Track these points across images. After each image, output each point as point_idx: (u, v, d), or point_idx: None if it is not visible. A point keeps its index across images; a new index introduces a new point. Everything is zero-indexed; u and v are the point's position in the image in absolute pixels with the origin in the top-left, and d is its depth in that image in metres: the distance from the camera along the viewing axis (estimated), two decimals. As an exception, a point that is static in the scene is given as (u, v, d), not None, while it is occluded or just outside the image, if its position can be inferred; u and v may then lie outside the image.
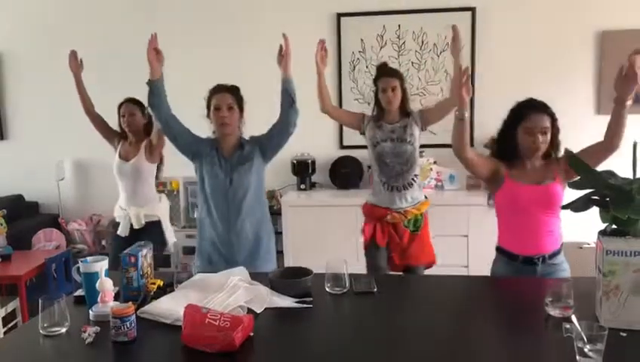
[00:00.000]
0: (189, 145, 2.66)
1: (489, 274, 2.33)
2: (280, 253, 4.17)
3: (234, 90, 2.71)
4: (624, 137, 2.27)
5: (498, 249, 2.32)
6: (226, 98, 2.63)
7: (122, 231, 3.50)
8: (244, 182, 2.63)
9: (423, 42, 4.30)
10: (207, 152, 2.65)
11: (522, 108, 2.30)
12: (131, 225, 3.49)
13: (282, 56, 2.77)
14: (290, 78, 2.80)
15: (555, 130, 2.32)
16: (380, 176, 3.09)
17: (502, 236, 2.32)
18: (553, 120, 2.31)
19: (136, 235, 3.33)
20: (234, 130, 2.68)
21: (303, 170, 4.38)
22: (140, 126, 3.55)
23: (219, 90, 2.67)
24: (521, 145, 2.26)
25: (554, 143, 2.32)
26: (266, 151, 2.72)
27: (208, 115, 2.67)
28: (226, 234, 2.62)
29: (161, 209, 3.63)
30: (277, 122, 2.76)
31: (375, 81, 3.12)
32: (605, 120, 4.12)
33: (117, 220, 3.59)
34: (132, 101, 3.56)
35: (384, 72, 3.10)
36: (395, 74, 3.07)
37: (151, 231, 3.46)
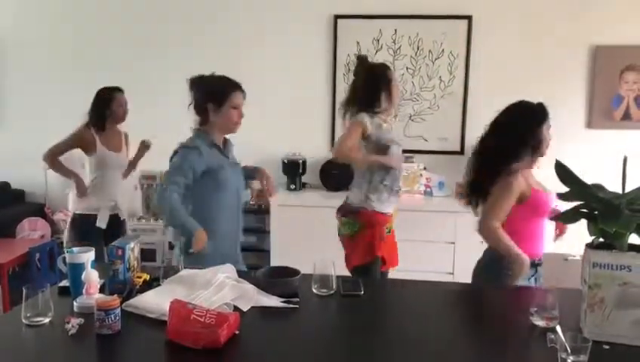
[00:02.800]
0: (202, 172, 2.47)
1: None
2: (266, 252, 4.18)
3: None
4: None
5: None
6: (242, 100, 2.56)
7: (102, 223, 3.43)
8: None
9: (418, 48, 4.31)
10: (211, 155, 2.49)
11: (544, 109, 2.41)
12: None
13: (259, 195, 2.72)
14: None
15: None
16: (387, 180, 2.89)
17: (526, 245, 2.28)
18: None
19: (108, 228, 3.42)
20: None
21: (293, 169, 4.37)
22: None
23: (240, 88, 2.56)
24: (545, 142, 2.35)
25: None
26: None
27: (217, 104, 2.49)
28: (236, 233, 2.64)
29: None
30: None
31: (381, 73, 2.95)
32: (595, 134, 4.23)
33: (88, 212, 3.44)
34: (121, 90, 3.54)
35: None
36: None
37: (119, 224, 3.54)
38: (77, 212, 3.47)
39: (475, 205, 2.45)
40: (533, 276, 2.36)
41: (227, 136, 2.66)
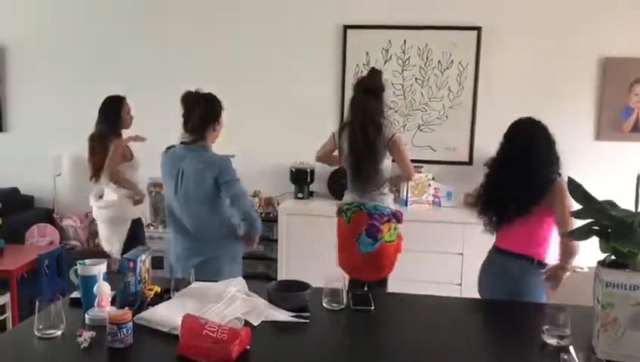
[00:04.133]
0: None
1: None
2: (274, 261, 4.18)
3: None
4: None
5: (544, 265, 2.50)
6: None
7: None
8: None
9: (427, 58, 4.32)
10: None
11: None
12: None
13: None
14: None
15: None
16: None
17: (546, 252, 2.51)
18: None
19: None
20: None
21: (301, 178, 4.38)
22: None
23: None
24: None
25: None
26: None
27: (218, 122, 2.77)
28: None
29: None
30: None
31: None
32: (604, 146, 4.22)
33: (138, 215, 3.76)
34: (124, 97, 3.70)
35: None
36: None
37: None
38: (134, 218, 3.70)
39: (491, 220, 2.59)
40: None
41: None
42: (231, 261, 2.75)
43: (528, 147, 2.49)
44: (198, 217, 2.72)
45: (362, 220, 3.01)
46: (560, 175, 2.46)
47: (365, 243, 3.00)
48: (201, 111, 2.68)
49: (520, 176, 2.46)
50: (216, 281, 2.01)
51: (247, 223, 2.69)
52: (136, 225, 3.72)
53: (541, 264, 2.48)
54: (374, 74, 3.10)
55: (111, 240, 3.68)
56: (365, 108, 2.97)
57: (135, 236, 3.65)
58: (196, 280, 2.02)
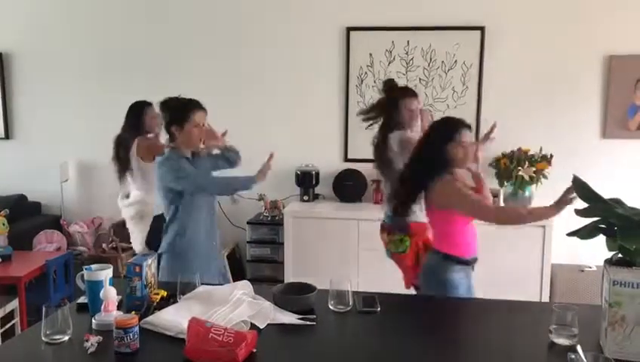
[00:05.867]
0: None
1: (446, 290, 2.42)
2: (280, 264, 4.19)
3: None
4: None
5: (456, 259, 2.41)
6: (203, 117, 2.75)
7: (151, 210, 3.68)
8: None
9: (431, 59, 4.31)
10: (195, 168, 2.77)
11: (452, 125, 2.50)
12: None
13: (262, 172, 2.89)
14: (257, 182, 2.90)
15: None
16: None
17: (458, 246, 2.43)
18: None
19: None
20: None
21: (306, 181, 4.38)
22: None
23: (200, 107, 2.74)
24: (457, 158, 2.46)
25: None
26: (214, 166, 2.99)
27: (179, 125, 2.70)
28: (210, 246, 2.81)
29: None
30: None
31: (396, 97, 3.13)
32: (610, 143, 4.20)
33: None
34: (150, 104, 3.71)
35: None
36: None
37: None
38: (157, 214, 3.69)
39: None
40: (466, 276, 2.45)
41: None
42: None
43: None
44: None
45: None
46: (439, 173, 2.40)
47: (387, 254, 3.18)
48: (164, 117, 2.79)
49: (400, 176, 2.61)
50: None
51: (233, 195, 2.79)
52: (159, 221, 3.72)
53: (455, 259, 2.42)
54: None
55: (135, 236, 3.77)
56: None
57: (157, 230, 3.68)
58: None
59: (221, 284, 2.26)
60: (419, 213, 2.78)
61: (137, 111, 3.71)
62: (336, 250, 3.99)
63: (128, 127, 3.71)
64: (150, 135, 3.74)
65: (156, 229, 3.64)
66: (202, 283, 2.03)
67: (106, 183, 4.33)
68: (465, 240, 2.45)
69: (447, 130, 2.44)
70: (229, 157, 3.01)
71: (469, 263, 2.45)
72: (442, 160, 2.40)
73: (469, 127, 2.47)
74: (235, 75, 4.53)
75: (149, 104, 3.69)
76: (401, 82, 4.30)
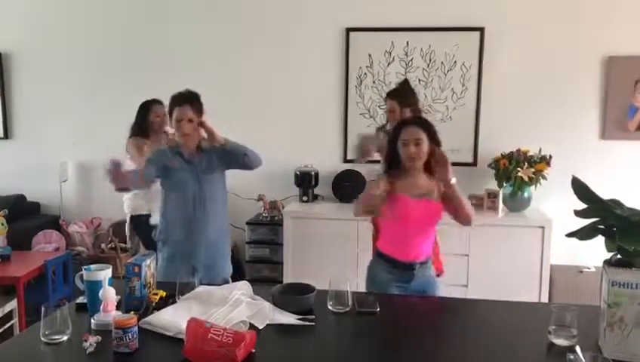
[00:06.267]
0: (159, 170, 2.82)
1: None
2: (279, 264, 4.19)
3: (193, 101, 2.77)
4: (473, 215, 2.44)
5: (379, 254, 2.47)
6: (186, 111, 2.73)
7: (137, 208, 3.78)
8: (214, 191, 2.82)
9: (430, 60, 4.31)
10: (170, 160, 2.79)
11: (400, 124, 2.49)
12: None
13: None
14: (225, 143, 2.82)
15: (434, 144, 2.41)
16: None
17: (384, 243, 2.47)
18: (430, 134, 2.40)
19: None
20: (193, 138, 2.80)
21: (306, 181, 4.37)
22: None
23: (179, 101, 2.74)
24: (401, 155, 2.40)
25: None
26: (225, 163, 2.87)
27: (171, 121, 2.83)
28: (189, 238, 2.77)
29: None
30: (239, 158, 2.84)
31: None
32: (609, 144, 4.21)
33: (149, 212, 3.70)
34: (159, 102, 3.73)
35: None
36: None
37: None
38: (134, 214, 3.81)
39: None
40: (395, 278, 2.41)
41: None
42: None
43: None
44: None
45: None
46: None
47: None
48: None
49: None
50: None
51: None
52: (137, 222, 3.79)
53: (379, 254, 2.49)
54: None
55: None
56: None
57: (139, 232, 3.80)
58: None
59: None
60: None
61: (143, 111, 3.73)
62: (335, 251, 3.98)
63: (134, 125, 3.74)
64: (164, 133, 3.72)
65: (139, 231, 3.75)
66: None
67: (105, 183, 4.31)
68: (382, 237, 2.51)
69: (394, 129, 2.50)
70: (234, 159, 2.84)
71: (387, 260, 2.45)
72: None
73: (410, 123, 2.45)
74: (235, 75, 4.53)
75: (157, 102, 3.71)
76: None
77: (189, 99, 2.74)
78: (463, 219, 2.42)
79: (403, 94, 3.30)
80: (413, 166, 2.38)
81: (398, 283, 2.37)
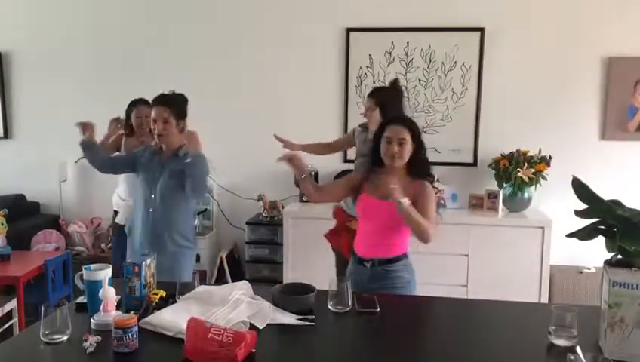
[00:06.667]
0: (126, 163, 2.97)
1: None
2: (279, 264, 4.18)
3: (170, 102, 2.76)
4: (431, 234, 2.30)
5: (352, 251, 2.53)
6: (160, 111, 2.74)
7: (121, 219, 3.61)
8: (167, 197, 2.78)
9: (430, 60, 4.31)
10: (145, 159, 2.85)
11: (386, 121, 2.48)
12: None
13: None
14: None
15: (417, 146, 2.40)
16: None
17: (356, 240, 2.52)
18: (414, 135, 2.38)
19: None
20: (170, 138, 2.78)
21: (305, 181, 4.37)
22: None
23: (155, 102, 2.79)
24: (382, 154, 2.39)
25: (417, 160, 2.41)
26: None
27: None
28: (149, 235, 2.80)
29: None
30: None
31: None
32: (609, 145, 4.20)
33: (116, 208, 3.74)
34: (145, 102, 3.58)
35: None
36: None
37: None
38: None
39: None
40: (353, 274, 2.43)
41: None
42: None
43: None
44: None
45: None
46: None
47: None
48: None
49: None
50: None
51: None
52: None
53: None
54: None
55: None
56: None
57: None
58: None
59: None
60: None
61: (128, 110, 3.65)
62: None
63: (124, 124, 3.65)
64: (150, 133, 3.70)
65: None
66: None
67: (105, 183, 4.31)
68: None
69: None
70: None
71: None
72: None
73: (396, 122, 2.42)
74: (235, 75, 4.53)
75: (142, 102, 3.56)
76: (400, 83, 4.31)
77: (166, 101, 2.75)
78: (417, 237, 2.33)
79: (383, 93, 3.24)
80: (392, 165, 2.36)
81: (359, 279, 2.36)
